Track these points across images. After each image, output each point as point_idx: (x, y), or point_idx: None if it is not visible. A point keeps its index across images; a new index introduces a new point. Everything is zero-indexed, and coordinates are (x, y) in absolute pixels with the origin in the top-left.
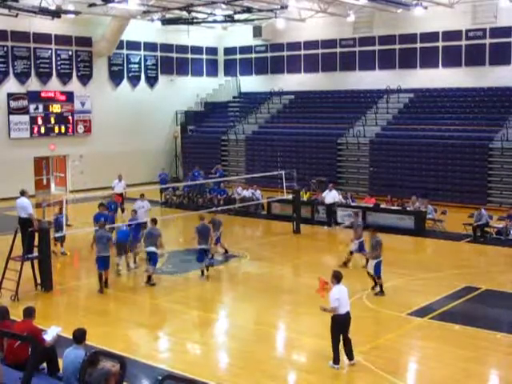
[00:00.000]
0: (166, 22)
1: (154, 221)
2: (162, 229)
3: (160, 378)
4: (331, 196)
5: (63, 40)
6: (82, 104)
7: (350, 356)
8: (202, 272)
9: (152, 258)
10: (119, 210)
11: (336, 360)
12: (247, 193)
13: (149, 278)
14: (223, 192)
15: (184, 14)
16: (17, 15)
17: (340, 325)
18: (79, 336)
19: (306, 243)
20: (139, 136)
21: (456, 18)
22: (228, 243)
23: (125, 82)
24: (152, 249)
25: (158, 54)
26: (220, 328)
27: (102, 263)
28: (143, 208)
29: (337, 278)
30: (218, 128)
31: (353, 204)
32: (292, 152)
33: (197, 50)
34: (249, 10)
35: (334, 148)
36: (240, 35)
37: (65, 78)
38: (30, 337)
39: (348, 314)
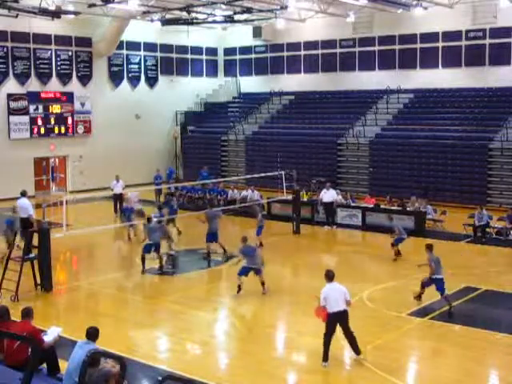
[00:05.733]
0: (165, 22)
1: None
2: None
3: (160, 378)
4: (329, 195)
5: (63, 40)
6: (82, 104)
7: (357, 351)
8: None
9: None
10: (119, 211)
11: (324, 357)
12: (245, 193)
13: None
14: (223, 192)
15: (184, 14)
16: (17, 16)
17: (330, 323)
18: (92, 333)
19: (306, 243)
20: (139, 136)
21: (456, 19)
22: (228, 244)
23: (125, 83)
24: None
25: (158, 54)
26: (220, 328)
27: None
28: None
29: (327, 276)
30: (217, 128)
31: (353, 204)
32: (292, 152)
33: (197, 50)
34: (249, 10)
35: (334, 148)
36: (240, 36)
37: (65, 78)
38: (30, 337)
39: (338, 313)
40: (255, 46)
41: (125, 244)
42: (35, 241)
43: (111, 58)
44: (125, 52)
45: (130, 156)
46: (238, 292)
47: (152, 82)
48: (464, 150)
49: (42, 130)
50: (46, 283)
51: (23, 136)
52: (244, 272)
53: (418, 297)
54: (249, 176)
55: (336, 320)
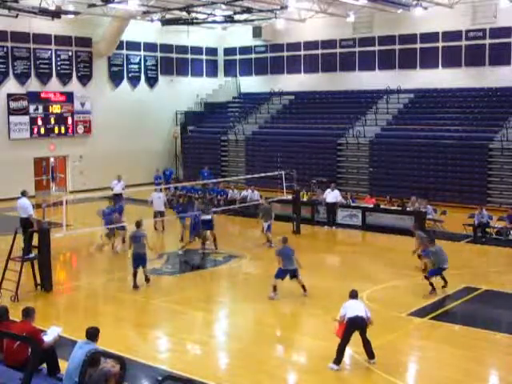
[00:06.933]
0: (165, 22)
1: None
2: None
3: (160, 378)
4: (333, 195)
5: (63, 40)
6: (82, 104)
7: (371, 356)
8: None
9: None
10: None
11: (336, 361)
12: (245, 193)
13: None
14: (223, 192)
15: (184, 14)
16: (17, 16)
17: (350, 326)
18: (92, 333)
19: (306, 243)
20: (139, 136)
21: (456, 19)
22: (228, 244)
23: (125, 83)
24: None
25: (158, 54)
26: (220, 328)
27: None
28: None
29: (351, 295)
30: (217, 128)
31: (353, 204)
32: (292, 152)
33: (197, 50)
34: (249, 10)
35: (334, 148)
36: (240, 36)
37: (65, 78)
38: (30, 338)
39: (359, 317)
40: (255, 46)
41: (125, 244)
42: (35, 241)
43: (111, 58)
44: (125, 52)
45: (130, 156)
46: (274, 292)
47: (152, 81)
48: (464, 149)
49: (42, 130)
50: (45, 283)
51: (23, 136)
52: (281, 275)
53: (432, 289)
54: (249, 176)
55: (354, 326)
